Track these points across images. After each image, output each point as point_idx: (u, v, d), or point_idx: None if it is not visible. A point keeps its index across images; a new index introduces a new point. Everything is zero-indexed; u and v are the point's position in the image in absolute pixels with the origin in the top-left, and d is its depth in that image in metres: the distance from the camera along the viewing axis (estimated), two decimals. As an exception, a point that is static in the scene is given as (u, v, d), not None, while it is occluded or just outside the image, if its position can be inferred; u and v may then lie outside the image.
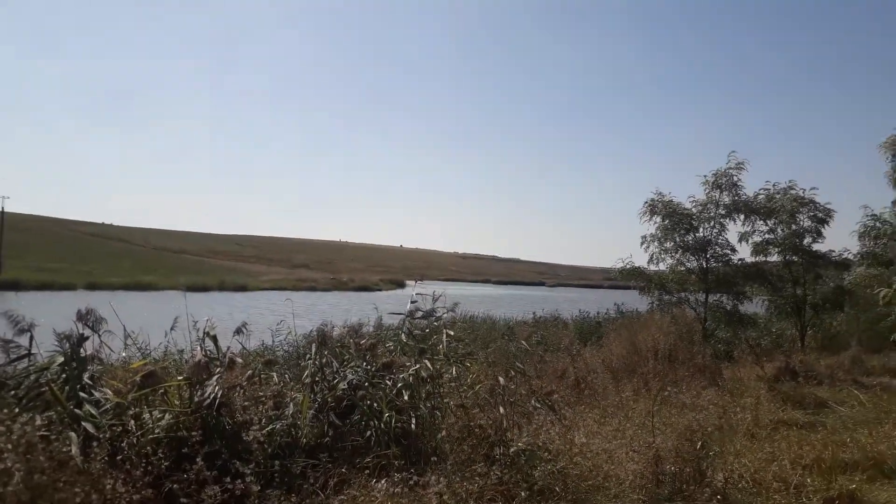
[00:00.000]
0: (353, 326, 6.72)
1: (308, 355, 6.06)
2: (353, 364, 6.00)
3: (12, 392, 4.09)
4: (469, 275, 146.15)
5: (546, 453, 5.23)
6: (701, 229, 14.92)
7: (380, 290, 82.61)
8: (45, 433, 3.34)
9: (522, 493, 4.66)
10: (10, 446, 2.92)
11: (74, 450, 3.23)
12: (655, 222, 15.05)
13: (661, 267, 15.32)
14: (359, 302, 47.55)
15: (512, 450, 5.20)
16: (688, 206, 15.02)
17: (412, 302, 6.67)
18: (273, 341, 9.67)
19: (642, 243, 15.23)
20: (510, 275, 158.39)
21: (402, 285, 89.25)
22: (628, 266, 15.33)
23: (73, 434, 3.44)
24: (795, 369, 11.48)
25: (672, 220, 14.80)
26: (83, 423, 3.60)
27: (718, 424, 7.07)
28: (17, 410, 3.53)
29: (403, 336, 6.58)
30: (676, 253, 14.91)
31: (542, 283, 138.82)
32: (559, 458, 5.25)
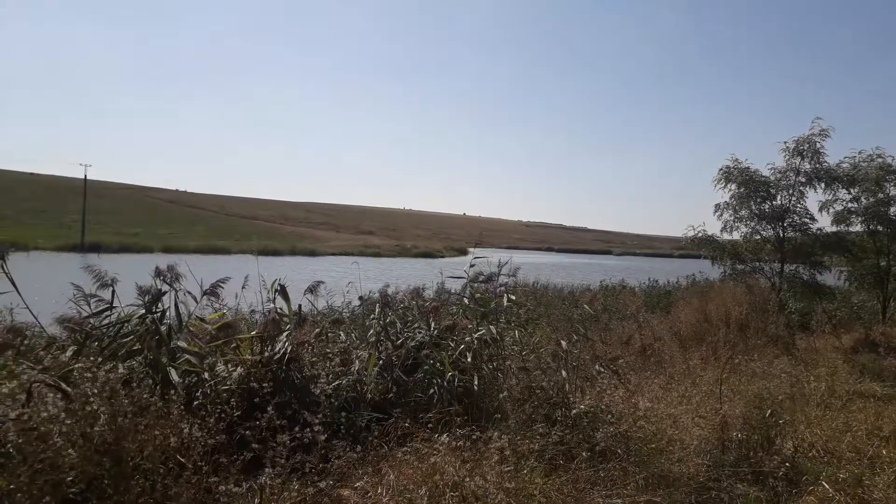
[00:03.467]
0: (416, 289, 6.81)
1: (372, 315, 6.19)
2: (416, 325, 6.10)
3: (96, 342, 4.35)
4: (533, 243, 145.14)
5: (609, 416, 5.20)
6: (779, 197, 14.31)
7: (442, 256, 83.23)
8: (128, 379, 3.55)
9: (584, 454, 4.66)
10: (95, 391, 3.10)
11: (175, 377, 3.39)
12: (730, 189, 14.52)
13: (735, 235, 14.82)
14: (422, 267, 48.02)
15: (574, 411, 5.19)
16: (765, 173, 14.41)
17: (472, 265, 6.70)
18: (343, 301, 9.88)
19: (715, 211, 14.75)
20: (576, 243, 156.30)
21: (464, 252, 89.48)
22: (700, 234, 14.88)
23: (170, 369, 3.61)
24: (876, 341, 10.99)
25: (748, 187, 14.24)
26: (163, 371, 3.79)
27: (790, 393, 6.86)
28: (100, 359, 3.76)
29: (466, 300, 6.63)
30: (752, 221, 14.38)
31: (608, 252, 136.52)
32: (622, 421, 5.22)
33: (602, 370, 6.24)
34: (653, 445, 5.13)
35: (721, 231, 14.80)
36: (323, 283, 6.08)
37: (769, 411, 5.59)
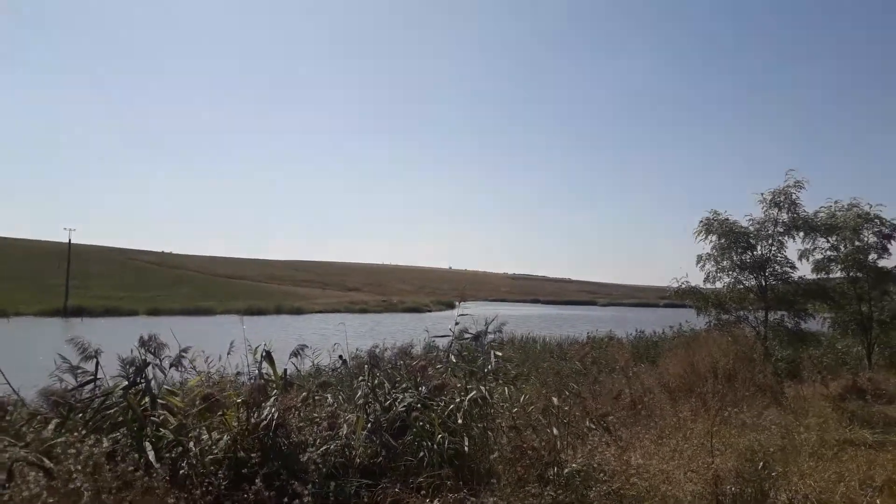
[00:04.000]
0: (404, 348, 6.80)
1: (361, 377, 6.15)
2: (404, 385, 6.06)
3: (80, 415, 4.28)
4: (519, 295, 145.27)
5: (601, 474, 5.15)
6: (759, 247, 14.56)
7: (430, 310, 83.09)
8: (112, 452, 3.48)
9: (577, 514, 4.60)
10: (79, 467, 3.04)
11: (152, 455, 3.34)
12: (711, 241, 14.78)
13: (718, 285, 14.99)
14: (409, 323, 47.80)
15: (566, 470, 5.14)
16: (744, 224, 14.70)
17: (457, 323, 6.71)
18: (329, 362, 9.80)
19: (698, 262, 14.97)
20: (561, 294, 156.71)
21: (451, 306, 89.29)
22: (684, 286, 15.04)
23: (147, 444, 3.55)
24: (863, 387, 11.02)
25: (728, 238, 14.50)
26: (147, 444, 3.73)
27: (781, 445, 6.83)
28: (84, 432, 3.69)
29: (453, 357, 6.61)
30: (734, 271, 14.58)
31: (594, 303, 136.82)
32: (614, 479, 5.16)
33: (593, 427, 6.20)
34: (646, 503, 5.07)
35: (704, 282, 14.98)
36: (307, 346, 6.05)
37: (761, 463, 5.57)
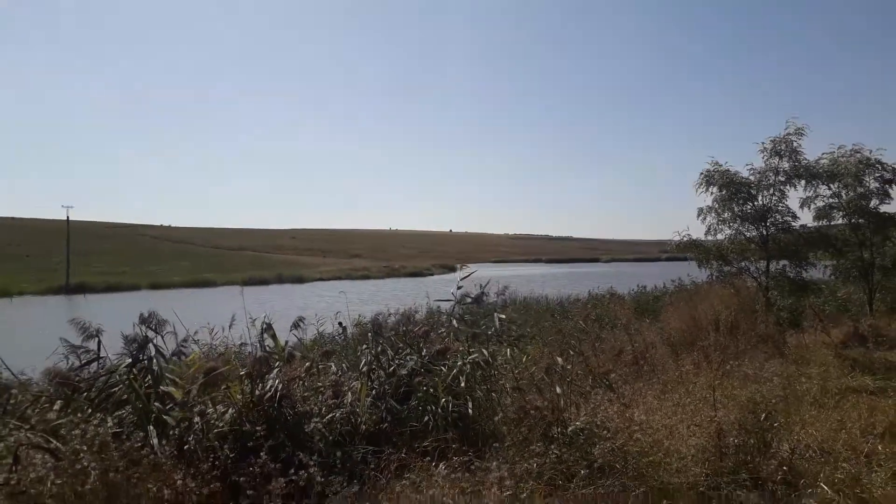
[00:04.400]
0: (407, 314, 6.81)
1: (364, 344, 6.17)
2: (407, 351, 6.09)
3: (84, 394, 4.31)
4: (521, 255, 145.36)
5: (605, 431, 5.19)
6: (760, 197, 14.45)
7: (431, 274, 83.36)
8: (118, 431, 3.51)
9: (582, 472, 4.65)
10: (85, 447, 3.06)
11: (154, 441, 3.38)
12: (712, 193, 14.64)
13: (719, 237, 14.92)
14: (411, 287, 47.98)
15: (570, 429, 5.18)
16: (745, 174, 14.56)
17: (458, 287, 6.70)
18: (332, 331, 9.85)
19: (699, 215, 14.85)
20: (563, 253, 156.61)
21: (453, 269, 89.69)
22: (685, 239, 14.98)
23: (151, 427, 3.59)
24: (864, 334, 11.07)
25: (729, 189, 14.36)
26: (156, 420, 3.76)
27: (783, 395, 6.88)
28: (89, 411, 3.71)
29: (454, 321, 6.62)
30: (735, 223, 14.49)
31: (596, 260, 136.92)
32: (618, 436, 5.20)
33: (596, 384, 6.25)
34: (650, 458, 5.12)
35: (705, 234, 14.91)
36: (304, 319, 6.07)
37: (763, 415, 5.60)
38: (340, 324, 7.77)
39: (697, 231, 15.31)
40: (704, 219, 14.78)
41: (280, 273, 73.08)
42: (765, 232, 14.38)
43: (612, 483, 4.63)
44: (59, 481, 2.97)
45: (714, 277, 14.75)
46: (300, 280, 70.76)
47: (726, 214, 14.49)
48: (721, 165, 14.70)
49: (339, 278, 73.22)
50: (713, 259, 14.71)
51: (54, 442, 3.23)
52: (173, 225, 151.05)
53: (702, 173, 14.78)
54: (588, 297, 20.24)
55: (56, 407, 4.05)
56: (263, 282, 64.11)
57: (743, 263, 14.68)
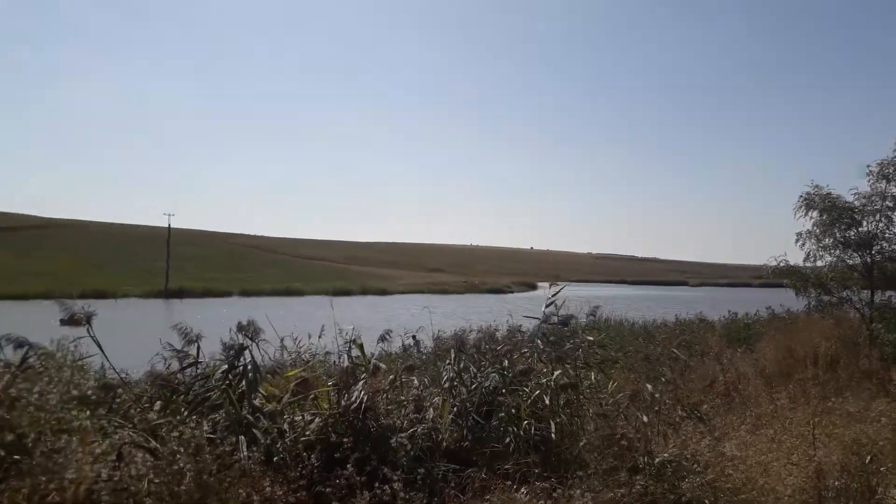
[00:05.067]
0: (489, 332, 6.77)
1: (447, 360, 6.17)
2: (489, 370, 6.04)
3: (181, 397, 4.51)
4: (604, 276, 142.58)
5: (695, 465, 4.98)
6: (865, 223, 13.63)
7: (511, 291, 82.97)
8: (211, 436, 3.65)
9: (670, 505, 4.47)
10: (182, 448, 3.19)
11: (243, 451, 3.49)
12: (812, 217, 13.91)
13: (819, 264, 14.16)
14: (492, 304, 47.90)
15: (657, 460, 5.00)
16: (849, 198, 13.77)
17: (546, 306, 6.60)
18: (413, 345, 9.95)
19: (797, 240, 14.15)
20: (649, 275, 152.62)
21: (533, 287, 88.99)
22: (782, 265, 14.30)
23: (241, 437, 3.71)
24: None
25: (831, 214, 13.62)
26: (250, 428, 3.88)
27: (891, 438, 6.40)
28: (185, 413, 3.87)
29: (539, 342, 6.53)
30: (836, 249, 13.71)
31: (683, 283, 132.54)
32: (708, 470, 4.98)
33: (685, 415, 6.01)
34: (743, 496, 4.87)
35: (804, 261, 14.20)
36: (391, 332, 6.15)
37: (869, 457, 5.24)
38: (414, 336, 7.86)
39: (795, 257, 14.58)
40: (803, 244, 14.08)
41: (363, 285, 74.67)
42: (870, 260, 13.54)
43: (700, 520, 4.43)
44: (157, 480, 3.10)
45: (812, 307, 14.04)
46: (383, 292, 72.06)
47: (827, 240, 13.74)
48: (822, 189, 13.97)
49: (420, 292, 74.07)
50: (812, 287, 13.98)
51: (154, 442, 3.39)
52: (260, 234, 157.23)
53: (801, 196, 14.09)
54: (676, 323, 19.58)
55: (156, 407, 4.25)
56: (348, 293, 65.68)
57: (844, 293, 13.88)
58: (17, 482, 3.00)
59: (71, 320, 4.69)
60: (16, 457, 3.17)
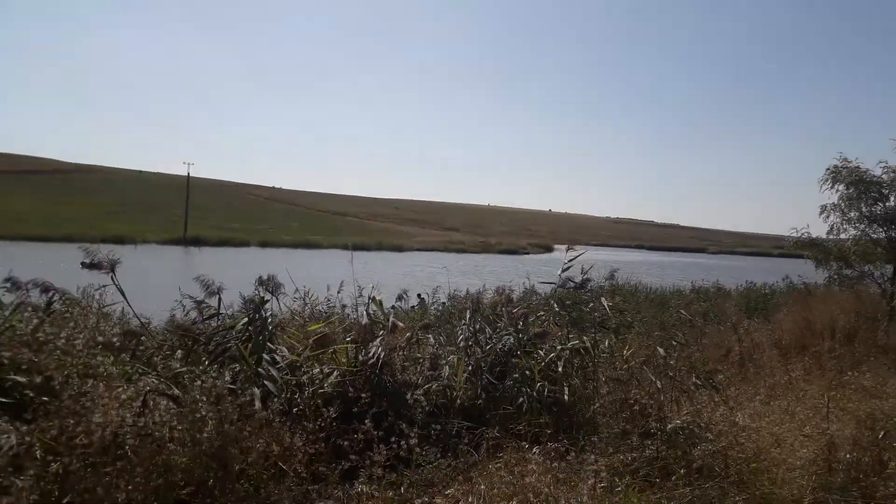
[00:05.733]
0: (506, 294, 6.78)
1: (463, 320, 6.21)
2: (505, 331, 6.07)
3: (202, 346, 4.59)
4: (622, 240, 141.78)
5: (707, 433, 5.01)
6: (892, 198, 13.38)
7: (527, 253, 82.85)
8: (232, 386, 3.72)
9: (681, 471, 4.51)
10: (204, 397, 3.27)
11: (257, 404, 3.57)
12: (838, 190, 13.68)
13: (842, 238, 13.99)
14: (508, 264, 47.96)
15: (670, 426, 5.03)
16: (877, 172, 13.49)
17: (563, 270, 6.58)
18: (430, 302, 10.03)
19: (821, 213, 13.96)
20: (668, 240, 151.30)
21: (549, 249, 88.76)
22: (804, 237, 14.14)
23: (255, 389, 3.79)
24: None
25: (858, 188, 13.37)
26: (264, 381, 3.95)
27: (907, 414, 6.37)
28: (206, 363, 3.94)
29: (555, 305, 6.53)
30: (861, 223, 13.51)
31: (702, 250, 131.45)
32: (720, 438, 5.01)
33: (699, 383, 6.02)
34: (754, 465, 4.90)
35: (827, 233, 14.02)
36: (407, 291, 6.20)
37: (882, 432, 5.23)
38: (419, 295, 7.92)
39: (818, 229, 14.40)
40: (827, 217, 13.89)
41: (380, 241, 74.90)
42: (894, 235, 13.34)
43: (710, 486, 4.47)
44: (179, 427, 3.18)
45: (833, 280, 13.92)
46: (399, 249, 72.29)
47: (852, 214, 13.54)
48: (850, 161, 13.68)
49: (436, 250, 74.27)
50: (833, 260, 13.85)
51: (176, 390, 3.46)
52: (281, 187, 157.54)
53: (828, 168, 13.83)
54: (692, 289, 19.49)
55: (177, 356, 4.34)
56: (365, 248, 65.92)
57: (866, 267, 13.73)
58: (46, 422, 3.09)
59: (93, 264, 4.76)
60: (44, 398, 3.26)
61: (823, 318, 10.48)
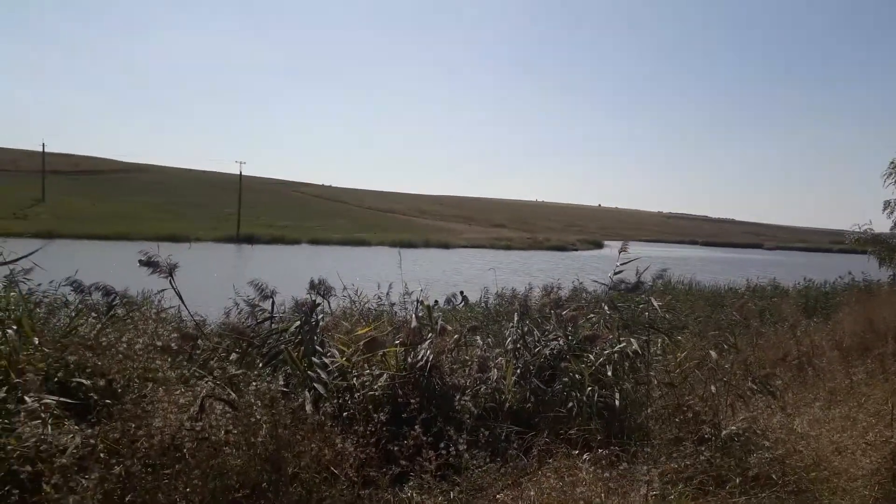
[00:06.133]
0: (555, 297, 6.72)
1: (511, 323, 6.19)
2: (553, 335, 6.02)
3: (256, 350, 4.69)
4: (675, 235, 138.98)
5: (764, 441, 4.88)
6: (961, 193, 12.82)
7: (575, 249, 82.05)
8: (285, 389, 3.80)
9: (736, 479, 4.41)
10: (259, 401, 3.34)
11: (309, 407, 3.62)
12: (904, 185, 13.21)
13: (908, 233, 13.49)
14: (557, 261, 47.60)
15: (724, 432, 4.92)
16: (945, 166, 12.96)
17: (616, 273, 6.47)
18: (477, 301, 10.04)
19: (885, 208, 13.52)
20: (722, 236, 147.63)
21: (599, 245, 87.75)
22: (866, 233, 13.67)
23: (307, 393, 3.86)
24: None
25: (925, 182, 12.88)
26: (314, 385, 4.01)
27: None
28: (260, 366, 4.02)
29: (606, 308, 6.44)
30: (927, 220, 13.00)
31: (758, 246, 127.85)
32: (778, 446, 4.87)
33: (755, 387, 5.86)
34: (813, 474, 4.75)
35: (891, 229, 13.54)
36: (457, 295, 6.22)
37: (951, 441, 5.00)
38: (462, 293, 7.92)
39: (881, 225, 13.89)
40: (892, 213, 13.44)
41: (427, 238, 75.22)
42: (963, 231, 12.79)
43: (767, 495, 4.36)
44: (234, 431, 3.26)
45: (896, 278, 13.44)
46: (446, 246, 72.48)
47: (919, 209, 13.05)
48: (917, 154, 13.17)
49: (483, 247, 74.17)
50: (899, 258, 13.37)
51: (232, 394, 3.55)
52: (329, 184, 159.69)
53: (892, 162, 13.35)
54: (747, 288, 18.96)
55: (232, 358, 4.44)
56: (411, 245, 66.32)
57: (933, 265, 13.20)
58: (109, 425, 3.21)
59: (150, 262, 4.92)
60: (107, 401, 3.38)
61: (887, 318, 10.09)
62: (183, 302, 5.04)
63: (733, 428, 4.98)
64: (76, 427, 3.12)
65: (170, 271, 4.78)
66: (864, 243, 13.83)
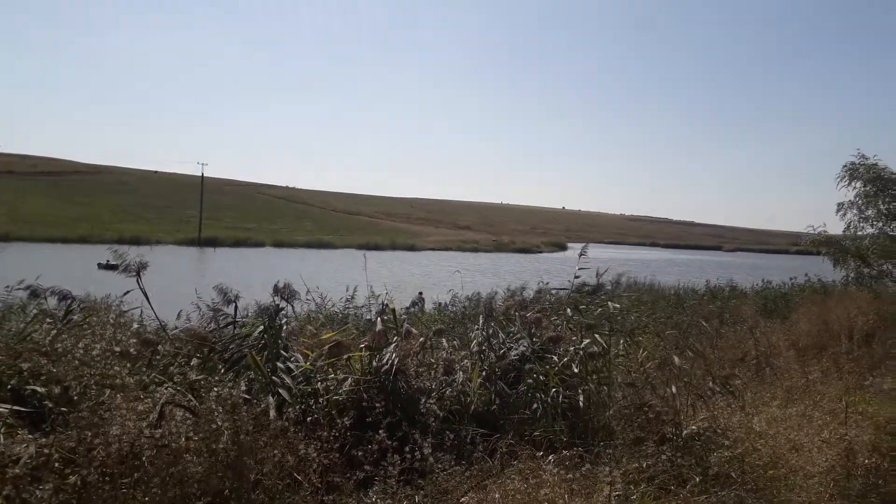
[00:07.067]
0: (519, 300, 6.77)
1: (476, 326, 6.21)
2: (518, 336, 6.06)
3: (217, 355, 4.62)
4: (637, 237, 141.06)
5: (724, 439, 4.97)
6: (912, 196, 13.26)
7: (540, 251, 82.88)
8: (246, 396, 3.74)
9: (696, 478, 4.48)
10: (220, 407, 3.29)
11: (272, 413, 3.58)
12: (855, 188, 13.61)
13: (860, 235, 13.89)
14: (524, 264, 47.90)
15: (685, 432, 5.00)
16: (896, 169, 13.38)
17: (576, 277, 6.56)
18: (445, 305, 10.03)
19: (838, 210, 13.91)
20: (683, 238, 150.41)
21: (563, 247, 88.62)
22: (820, 235, 14.03)
23: (270, 398, 3.81)
24: None
25: (876, 185, 13.27)
26: (279, 390, 3.97)
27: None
28: (222, 371, 3.96)
29: (569, 310, 6.51)
30: (879, 221, 13.40)
31: (718, 248, 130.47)
32: (737, 445, 4.97)
33: (716, 388, 5.97)
34: (771, 472, 4.86)
35: (844, 231, 13.93)
36: (422, 295, 6.20)
37: (903, 438, 5.18)
38: (420, 293, 7.95)
39: (835, 227, 14.30)
40: (844, 214, 13.85)
41: (393, 240, 75.08)
42: (914, 233, 13.21)
43: (727, 493, 4.44)
44: (195, 437, 3.20)
45: (851, 279, 13.78)
46: (412, 248, 72.45)
47: (870, 212, 13.46)
48: (868, 158, 13.55)
49: (449, 249, 74.38)
50: (851, 259, 13.73)
51: (193, 400, 3.49)
52: (294, 186, 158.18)
53: (845, 166, 13.75)
54: (706, 289, 19.32)
55: (193, 364, 4.37)
56: (378, 247, 66.14)
57: (885, 266, 13.59)
58: (64, 433, 3.13)
59: (111, 266, 4.84)
60: (62, 409, 3.30)
61: (841, 318, 10.37)
62: (150, 303, 4.94)
63: (694, 427, 5.06)
64: (30, 436, 3.04)
65: (138, 270, 4.68)
66: (818, 245, 14.21)
